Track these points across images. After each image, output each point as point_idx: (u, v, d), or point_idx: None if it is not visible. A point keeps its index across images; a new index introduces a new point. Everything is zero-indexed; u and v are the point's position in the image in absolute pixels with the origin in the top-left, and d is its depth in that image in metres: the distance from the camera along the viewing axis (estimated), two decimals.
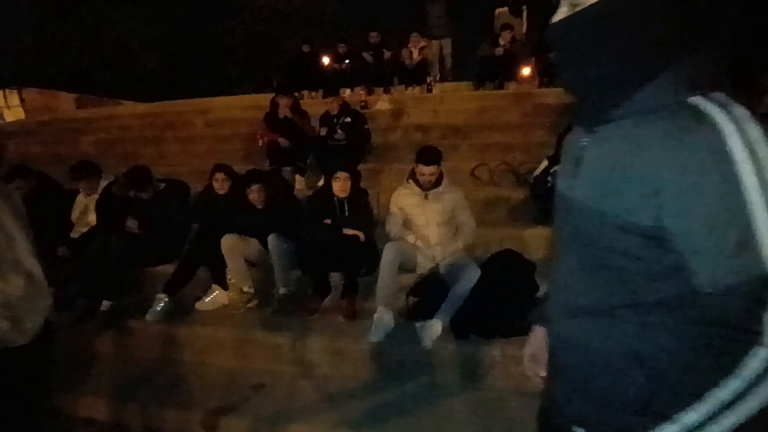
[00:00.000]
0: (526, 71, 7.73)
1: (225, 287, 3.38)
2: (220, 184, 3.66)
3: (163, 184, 3.74)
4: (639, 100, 0.68)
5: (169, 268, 3.48)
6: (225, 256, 3.25)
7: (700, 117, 0.62)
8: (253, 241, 3.38)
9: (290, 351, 2.91)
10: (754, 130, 0.60)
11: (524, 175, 4.52)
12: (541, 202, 3.95)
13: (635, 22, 0.64)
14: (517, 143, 5.15)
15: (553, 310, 0.89)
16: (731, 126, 0.60)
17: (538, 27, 7.86)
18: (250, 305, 3.34)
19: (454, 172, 4.55)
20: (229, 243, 3.25)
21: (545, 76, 7.08)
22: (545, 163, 4.00)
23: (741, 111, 0.62)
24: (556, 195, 0.89)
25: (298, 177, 4.78)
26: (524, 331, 2.70)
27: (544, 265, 3.26)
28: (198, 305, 3.34)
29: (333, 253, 3.18)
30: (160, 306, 3.20)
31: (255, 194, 3.34)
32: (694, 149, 0.61)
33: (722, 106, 0.62)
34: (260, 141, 4.89)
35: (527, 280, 2.90)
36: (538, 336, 1.08)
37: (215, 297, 3.37)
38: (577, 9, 0.69)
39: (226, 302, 3.38)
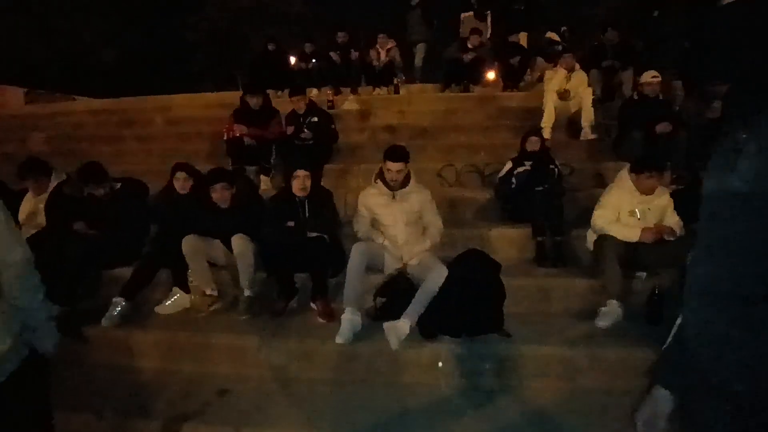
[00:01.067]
0: (491, 75, 7.91)
1: (186, 290, 3.27)
2: (182, 184, 3.55)
3: (119, 183, 3.58)
4: None
5: (126, 271, 3.33)
6: (186, 258, 3.14)
7: None
8: (217, 242, 3.29)
9: (256, 354, 2.85)
10: None
11: (489, 176, 4.61)
12: (505, 202, 4.06)
13: None
14: (482, 145, 5.25)
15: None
16: None
17: (502, 32, 8.03)
18: (213, 308, 3.25)
19: (421, 172, 4.57)
20: (190, 244, 3.15)
21: (508, 80, 7.26)
22: (509, 164, 4.11)
23: None
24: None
25: (263, 177, 4.70)
26: (488, 330, 2.77)
27: (510, 265, 3.35)
28: (158, 309, 3.21)
29: (298, 254, 3.13)
30: (116, 310, 3.06)
31: (219, 193, 3.25)
32: None
33: None
34: (225, 135, 4.76)
35: (493, 280, 2.95)
36: (659, 401, 0.97)
37: (176, 300, 3.25)
38: None
39: (188, 305, 3.27)
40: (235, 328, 3.02)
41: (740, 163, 0.70)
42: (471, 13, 8.04)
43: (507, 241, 3.69)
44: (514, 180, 4.01)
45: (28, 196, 3.78)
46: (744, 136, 0.72)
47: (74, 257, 3.23)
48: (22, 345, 1.35)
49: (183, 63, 19.37)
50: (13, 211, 3.75)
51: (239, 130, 4.54)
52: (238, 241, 3.12)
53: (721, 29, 0.75)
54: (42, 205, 3.69)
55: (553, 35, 7.59)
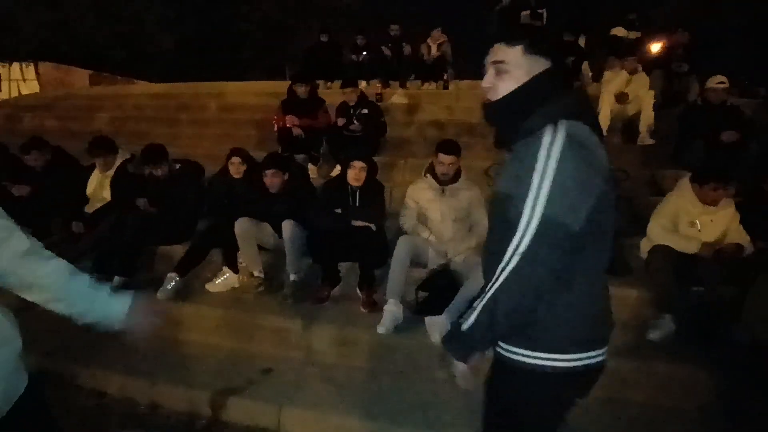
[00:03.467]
0: None
1: (236, 270, 3.40)
2: (236, 168, 3.67)
3: (179, 165, 3.75)
4: (525, 126, 1.10)
5: (181, 249, 3.50)
6: (238, 240, 3.26)
7: (544, 132, 1.03)
8: (267, 226, 3.39)
9: (298, 337, 2.93)
10: (558, 140, 1.01)
11: None
12: None
13: (521, 97, 1.13)
14: None
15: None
16: (548, 137, 1.02)
17: (558, 30, 7.76)
18: (260, 290, 3.35)
19: (467, 170, 4.52)
20: (242, 227, 3.26)
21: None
22: None
23: (563, 130, 1.02)
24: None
25: (311, 166, 4.79)
26: None
27: None
28: (208, 286, 3.36)
29: (344, 243, 3.19)
30: (170, 285, 3.22)
31: (272, 179, 3.35)
32: (531, 149, 1.03)
33: (555, 126, 1.03)
34: (275, 126, 4.89)
35: None
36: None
37: (226, 279, 3.39)
38: (502, 74, 1.15)
39: (236, 285, 3.40)
40: (280, 310, 3.11)
41: None
42: (528, 11, 7.78)
43: None
44: None
45: (96, 172, 4.02)
46: None
47: (134, 232, 3.42)
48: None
49: (234, 51, 19.91)
50: (82, 185, 4.02)
51: (290, 121, 4.65)
52: (288, 226, 3.20)
53: (491, 109, 1.21)
54: (108, 181, 3.92)
55: (618, 31, 7.27)
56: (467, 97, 6.84)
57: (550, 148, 1.00)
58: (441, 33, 7.40)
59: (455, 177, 3.18)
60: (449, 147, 3.11)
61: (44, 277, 1.15)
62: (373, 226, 3.24)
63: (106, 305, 1.25)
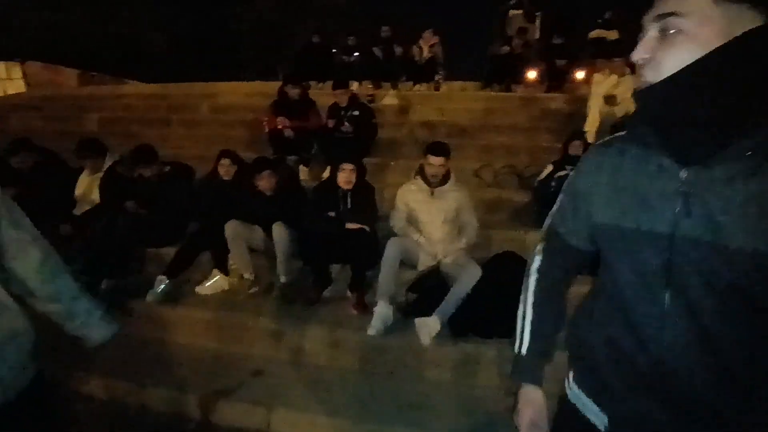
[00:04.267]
0: (532, 75, 7.76)
1: (226, 273, 3.40)
2: (226, 170, 3.67)
3: (168, 166, 3.74)
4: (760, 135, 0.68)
5: (171, 251, 3.49)
6: (228, 242, 3.26)
7: None
8: (257, 229, 3.39)
9: (289, 339, 2.94)
10: None
11: (528, 178, 4.55)
12: (543, 206, 3.99)
13: (744, 73, 0.67)
14: (522, 146, 5.18)
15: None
16: None
17: (550, 33, 7.82)
18: (250, 292, 3.35)
19: (458, 171, 4.53)
20: (232, 229, 3.26)
21: (553, 80, 7.12)
22: (550, 167, 4.04)
23: None
24: (634, 233, 0.81)
25: (302, 167, 4.79)
26: None
27: None
28: (198, 289, 3.35)
29: (335, 245, 3.19)
30: (160, 288, 3.21)
31: (264, 181, 3.35)
32: None
33: None
34: (266, 127, 4.89)
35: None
36: (535, 399, 1.02)
37: (216, 282, 3.38)
38: (674, 35, 0.69)
39: (227, 288, 3.40)
40: (271, 312, 3.11)
41: None
42: (521, 11, 7.84)
43: None
44: (553, 184, 3.94)
45: (85, 173, 4.00)
46: None
47: (124, 234, 3.41)
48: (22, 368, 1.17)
49: (228, 52, 19.84)
50: (70, 187, 3.99)
51: (281, 122, 4.65)
52: (278, 229, 3.21)
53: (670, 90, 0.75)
54: (97, 183, 3.89)
55: (598, 33, 7.30)
56: (459, 99, 6.88)
57: None
58: (432, 34, 7.43)
59: (445, 179, 3.20)
60: (438, 149, 3.13)
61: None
62: (367, 228, 3.26)
63: (96, 328, 1.37)
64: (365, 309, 3.08)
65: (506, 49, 6.98)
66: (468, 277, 2.91)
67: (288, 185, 3.53)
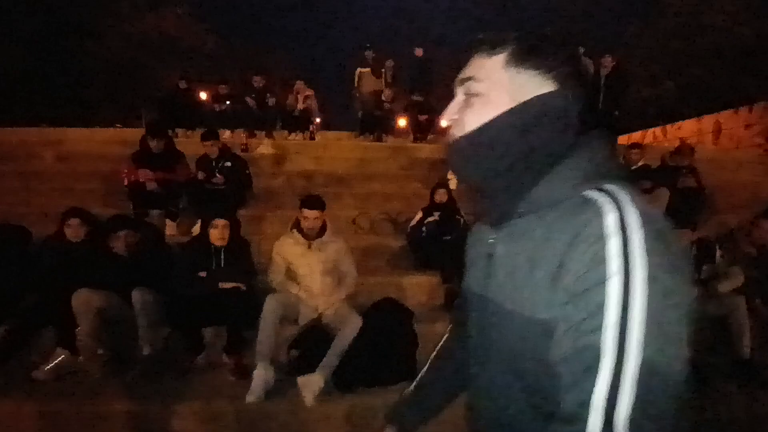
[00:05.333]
0: (402, 122, 8.41)
1: (73, 351, 2.92)
2: (74, 231, 3.23)
3: None
4: (536, 196, 0.71)
5: None
6: (76, 315, 2.83)
7: (587, 204, 0.65)
8: (112, 296, 3.00)
9: (157, 420, 2.60)
10: (633, 223, 0.60)
11: (402, 224, 4.82)
12: (416, 250, 4.25)
13: (523, 134, 0.71)
14: (395, 193, 5.50)
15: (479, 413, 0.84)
16: (612, 216, 0.61)
17: (404, 87, 8.44)
18: (106, 369, 2.92)
19: (336, 219, 4.66)
20: (82, 299, 2.84)
21: (418, 132, 7.78)
22: (420, 214, 4.35)
23: (629, 202, 0.62)
24: (465, 291, 0.88)
25: (168, 222, 4.43)
26: (402, 378, 2.83)
27: (422, 311, 3.49)
28: (36, 374, 2.81)
29: (209, 306, 2.98)
30: None
31: (121, 241, 3.01)
32: (576, 229, 0.63)
33: (608, 192, 0.65)
34: (125, 180, 4.45)
35: (406, 328, 3.06)
36: None
37: (59, 362, 2.88)
38: (473, 98, 0.74)
39: (74, 368, 2.91)
40: (133, 392, 2.73)
41: None
42: (368, 69, 8.34)
43: (418, 288, 3.84)
44: (424, 229, 4.24)
45: None
46: None
47: None
48: None
49: (78, 92, 17.86)
50: None
51: (144, 175, 4.27)
52: (138, 294, 2.89)
53: (462, 152, 0.79)
54: None
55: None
56: (334, 148, 7.11)
57: (625, 236, 0.59)
58: (305, 86, 7.65)
59: (321, 231, 3.24)
60: (313, 202, 3.17)
61: None
62: (242, 286, 3.10)
63: None
64: (244, 373, 2.89)
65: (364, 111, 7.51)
66: (349, 328, 2.93)
67: (149, 244, 3.22)
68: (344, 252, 3.32)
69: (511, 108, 0.71)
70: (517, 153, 0.71)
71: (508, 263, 0.73)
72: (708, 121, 10.69)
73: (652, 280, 0.57)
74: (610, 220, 0.60)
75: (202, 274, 3.06)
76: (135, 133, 6.13)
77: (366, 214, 4.97)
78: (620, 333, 0.56)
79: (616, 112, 6.28)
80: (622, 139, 9.34)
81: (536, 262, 0.67)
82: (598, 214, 0.62)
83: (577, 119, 0.72)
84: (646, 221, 0.60)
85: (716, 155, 8.41)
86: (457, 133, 0.75)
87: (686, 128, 11.41)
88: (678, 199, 4.91)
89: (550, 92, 0.71)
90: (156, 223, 4.37)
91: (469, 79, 0.74)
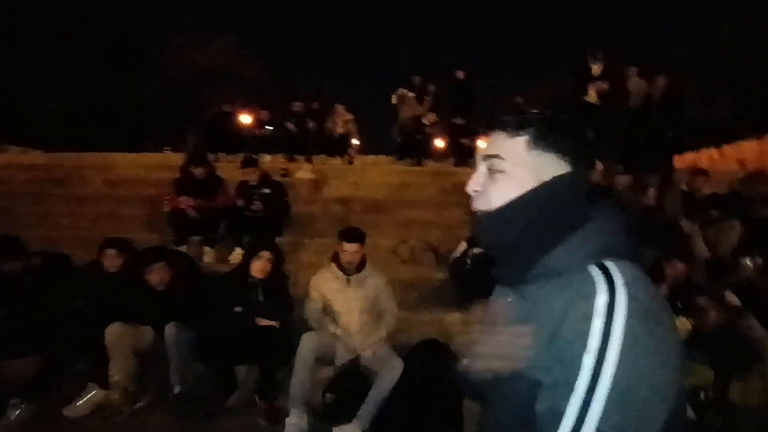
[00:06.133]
0: (440, 144, 8.23)
1: (105, 386, 2.83)
2: (111, 261, 3.19)
3: (39, 258, 3.18)
4: (547, 265, 0.77)
5: (32, 362, 2.86)
6: (109, 349, 2.75)
7: (586, 280, 0.70)
8: (147, 330, 2.93)
9: None
10: (620, 305, 0.66)
11: (444, 254, 4.57)
12: (461, 284, 3.98)
13: (542, 212, 0.78)
14: (436, 221, 5.27)
15: None
16: (602, 298, 0.67)
17: (452, 114, 8.27)
18: (136, 407, 2.81)
19: (374, 249, 4.47)
20: (115, 333, 2.77)
21: (460, 156, 7.56)
22: (464, 244, 4.09)
23: (623, 285, 0.68)
24: None
25: (206, 249, 4.39)
26: (447, 429, 2.56)
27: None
28: (67, 411, 2.73)
29: (242, 343, 2.85)
30: (14, 414, 2.57)
31: (156, 275, 2.93)
32: (572, 302, 0.69)
33: (606, 271, 0.70)
34: (168, 206, 4.46)
35: (452, 374, 2.78)
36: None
37: (91, 398, 2.80)
38: (497, 174, 0.80)
39: (106, 404, 2.82)
40: (163, 430, 2.61)
41: None
42: (413, 94, 8.19)
43: (464, 327, 3.56)
44: (469, 261, 3.98)
45: None
46: None
47: None
48: None
49: (131, 119, 18.86)
50: None
51: (185, 202, 4.27)
52: (172, 330, 2.79)
53: (487, 224, 0.85)
54: None
55: None
56: (372, 172, 6.99)
57: (610, 318, 0.65)
58: (345, 110, 7.64)
59: (361, 265, 3.05)
60: (352, 235, 3.00)
61: None
62: (277, 325, 2.95)
63: None
64: (277, 417, 2.71)
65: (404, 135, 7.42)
66: (389, 373, 2.71)
67: (185, 278, 3.13)
68: (384, 288, 3.12)
69: (534, 188, 0.78)
70: (536, 227, 0.78)
71: (522, 324, 0.76)
72: None
73: (624, 361, 0.63)
74: (600, 301, 0.67)
75: (238, 309, 2.92)
76: (181, 158, 6.24)
77: (406, 243, 4.75)
78: (584, 403, 0.64)
79: (670, 133, 5.87)
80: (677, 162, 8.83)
81: (539, 326, 0.72)
82: (591, 293, 0.68)
83: (587, 195, 0.81)
84: (634, 306, 0.66)
85: None
86: (482, 206, 0.82)
87: (745, 149, 10.59)
88: (753, 232, 4.43)
89: (567, 173, 0.79)
90: (194, 250, 4.35)
91: (494, 156, 0.81)
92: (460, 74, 8.13)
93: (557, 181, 0.78)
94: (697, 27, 15.76)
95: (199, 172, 4.45)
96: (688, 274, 3.40)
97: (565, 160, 0.79)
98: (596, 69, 6.02)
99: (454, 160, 7.71)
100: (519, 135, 0.80)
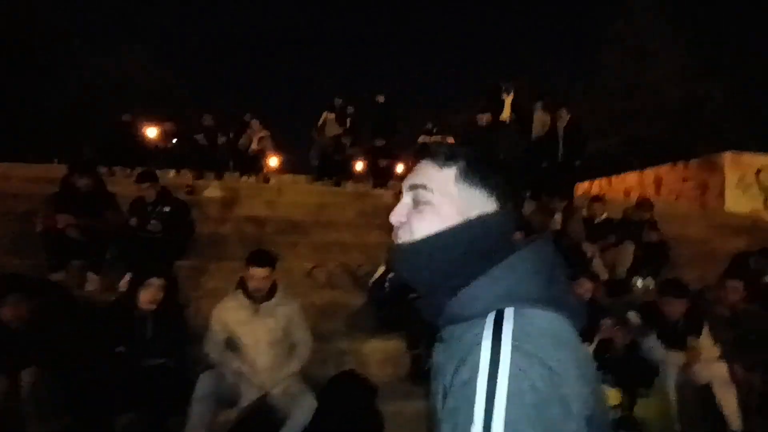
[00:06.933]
0: (359, 166, 8.21)
1: None
2: None
3: None
4: (454, 306, 0.72)
5: None
6: None
7: (483, 329, 0.66)
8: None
9: None
10: (503, 358, 0.62)
11: (362, 278, 4.40)
12: (380, 309, 3.83)
13: (466, 249, 0.74)
14: (355, 243, 5.11)
15: None
16: (486, 348, 0.63)
17: (371, 135, 8.32)
18: None
19: (289, 272, 4.19)
20: None
21: (378, 178, 7.55)
22: (383, 267, 3.96)
23: (509, 329, 0.64)
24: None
25: (90, 275, 3.78)
26: None
27: (385, 382, 3.04)
28: None
29: (126, 388, 2.41)
30: None
31: (9, 309, 2.39)
32: (467, 350, 0.66)
33: (499, 321, 0.65)
34: (39, 225, 3.78)
35: (369, 409, 2.59)
36: None
37: None
38: (422, 205, 0.76)
39: None
40: None
41: None
42: (333, 115, 8.15)
43: (382, 356, 3.40)
44: (387, 285, 3.85)
45: None
46: None
47: None
48: None
49: (16, 125, 16.63)
50: None
51: (64, 220, 3.64)
52: (30, 377, 2.28)
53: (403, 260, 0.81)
54: None
55: (423, 139, 8.19)
56: (290, 192, 6.69)
57: (492, 370, 0.61)
58: (260, 125, 7.30)
59: (271, 292, 2.76)
60: (261, 258, 2.71)
61: None
62: (170, 362, 2.55)
63: None
64: None
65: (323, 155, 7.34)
66: (302, 413, 2.46)
67: (51, 312, 2.59)
68: (297, 316, 2.85)
69: (459, 224, 0.75)
70: (452, 266, 0.74)
71: (438, 370, 0.76)
72: (649, 174, 11.23)
73: (508, 420, 0.59)
74: (484, 354, 0.63)
75: (121, 348, 2.48)
76: (64, 170, 5.45)
77: (323, 265, 4.52)
78: None
79: (578, 163, 6.36)
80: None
81: (447, 371, 0.70)
82: (477, 348, 0.64)
83: (509, 233, 0.78)
84: (521, 363, 0.61)
85: (663, 209, 8.69)
86: (404, 236, 0.78)
87: (629, 180, 11.95)
88: (643, 252, 4.87)
89: (494, 212, 0.76)
90: (75, 277, 3.73)
91: (420, 186, 0.77)
92: (381, 98, 8.20)
93: (482, 219, 0.75)
94: (591, 69, 17.85)
95: (83, 183, 3.85)
96: (594, 293, 3.58)
97: (493, 198, 0.77)
98: (507, 99, 6.37)
99: (373, 182, 7.68)
100: (448, 167, 0.77)
